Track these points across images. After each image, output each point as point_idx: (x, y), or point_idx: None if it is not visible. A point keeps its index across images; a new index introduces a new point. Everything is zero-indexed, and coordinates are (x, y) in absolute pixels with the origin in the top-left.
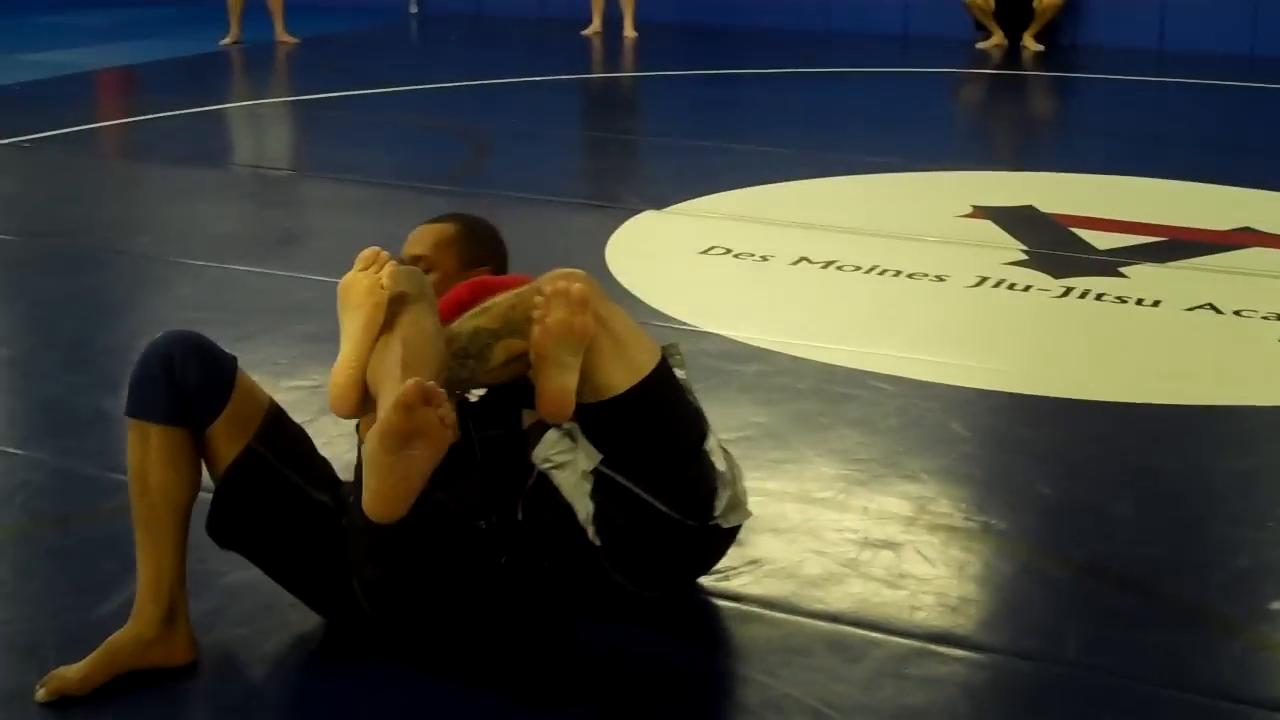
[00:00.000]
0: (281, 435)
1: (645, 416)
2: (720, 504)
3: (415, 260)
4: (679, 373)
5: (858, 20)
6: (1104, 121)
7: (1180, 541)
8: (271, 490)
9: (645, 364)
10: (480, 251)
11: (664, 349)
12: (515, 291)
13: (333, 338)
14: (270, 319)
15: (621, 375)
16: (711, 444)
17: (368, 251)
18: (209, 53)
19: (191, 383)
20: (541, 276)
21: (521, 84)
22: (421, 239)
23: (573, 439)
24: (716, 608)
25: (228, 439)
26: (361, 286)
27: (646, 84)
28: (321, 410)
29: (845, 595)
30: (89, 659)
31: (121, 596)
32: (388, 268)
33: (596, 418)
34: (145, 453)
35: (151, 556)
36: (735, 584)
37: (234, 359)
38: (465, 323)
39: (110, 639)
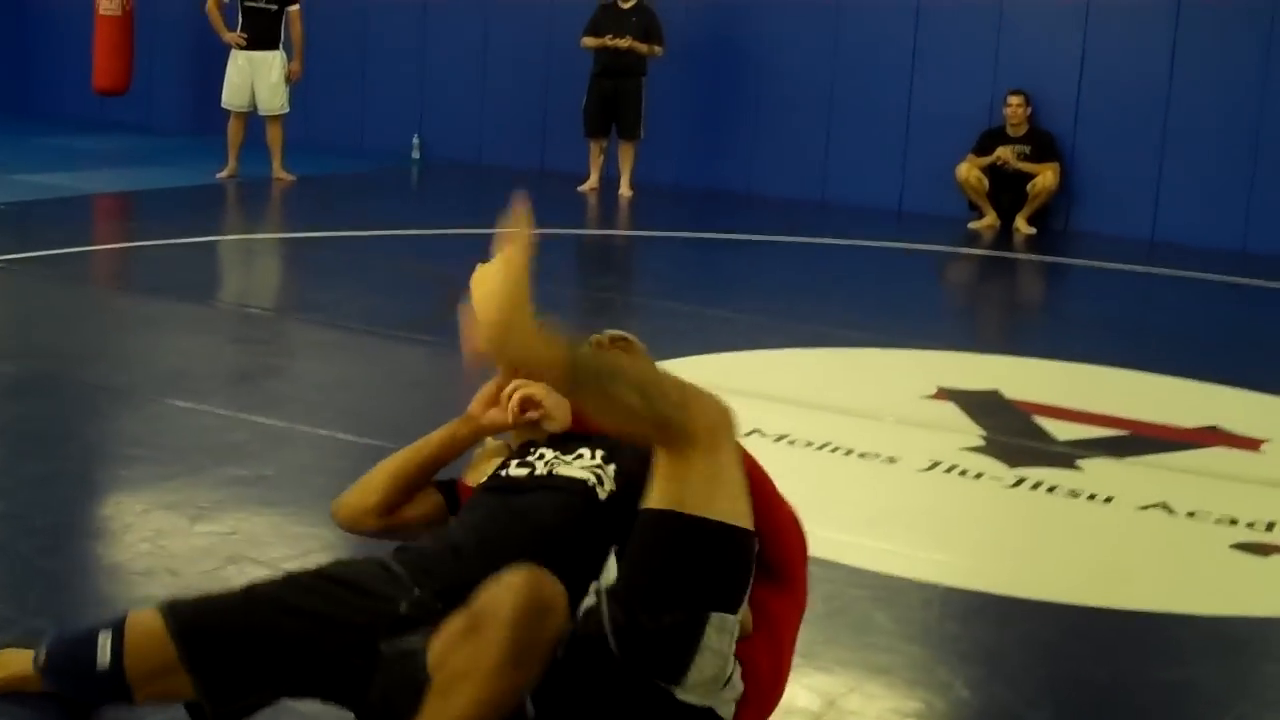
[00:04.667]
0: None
1: (680, 548)
2: (693, 670)
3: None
4: None
5: (854, 193)
6: (1086, 309)
7: None
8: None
9: (725, 514)
10: None
11: None
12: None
13: (257, 482)
14: (199, 458)
15: (688, 499)
16: (722, 622)
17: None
18: (204, 185)
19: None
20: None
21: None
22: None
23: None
24: None
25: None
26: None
27: (634, 243)
28: (229, 559)
29: None
30: None
31: None
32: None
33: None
34: None
35: None
36: None
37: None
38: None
39: None
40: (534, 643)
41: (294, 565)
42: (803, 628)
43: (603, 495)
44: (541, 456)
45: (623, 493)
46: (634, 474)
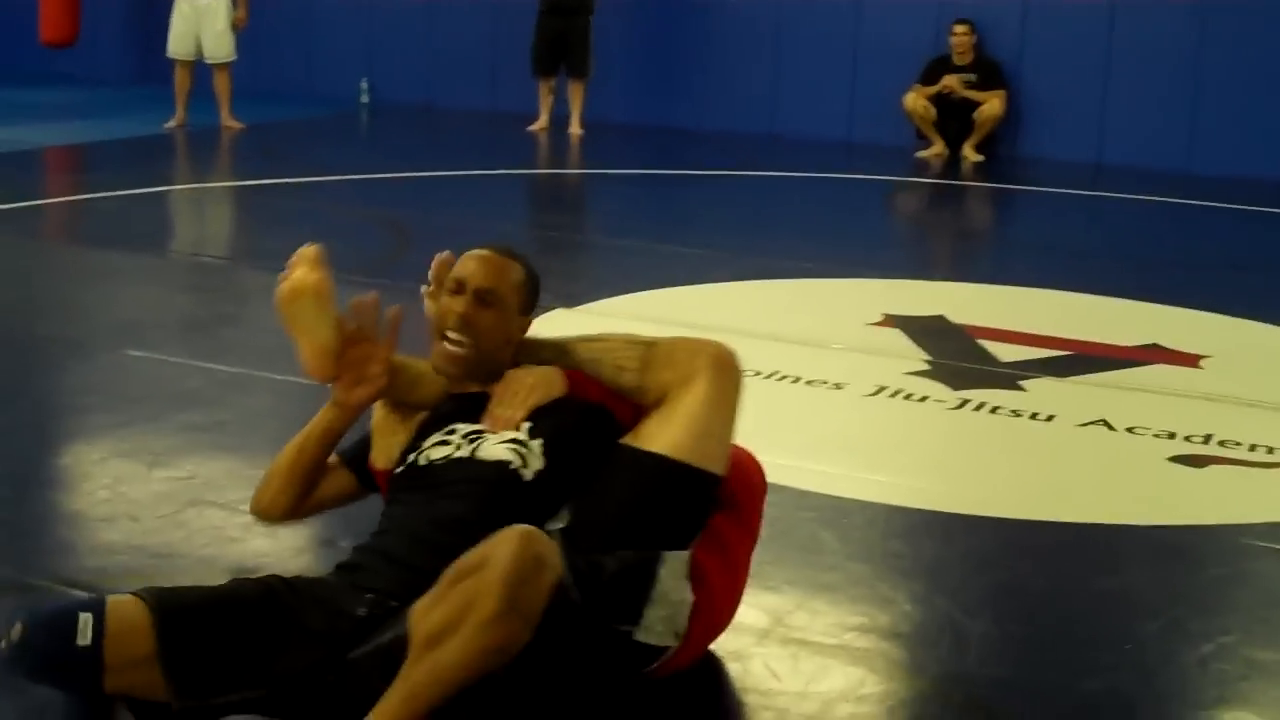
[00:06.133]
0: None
1: (650, 493)
2: (647, 616)
3: (485, 293)
4: None
5: (803, 125)
6: (1032, 234)
7: (1032, 662)
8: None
9: (692, 455)
10: (534, 300)
11: None
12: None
13: (213, 428)
14: (153, 406)
15: (663, 442)
16: (676, 564)
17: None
18: (153, 135)
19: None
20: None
21: (459, 177)
22: (492, 274)
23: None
24: None
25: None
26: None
27: (584, 182)
28: (189, 502)
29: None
30: None
31: None
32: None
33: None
34: None
35: None
36: None
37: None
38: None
39: None
40: (529, 595)
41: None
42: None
43: (528, 476)
44: (456, 432)
45: (551, 466)
46: (562, 438)
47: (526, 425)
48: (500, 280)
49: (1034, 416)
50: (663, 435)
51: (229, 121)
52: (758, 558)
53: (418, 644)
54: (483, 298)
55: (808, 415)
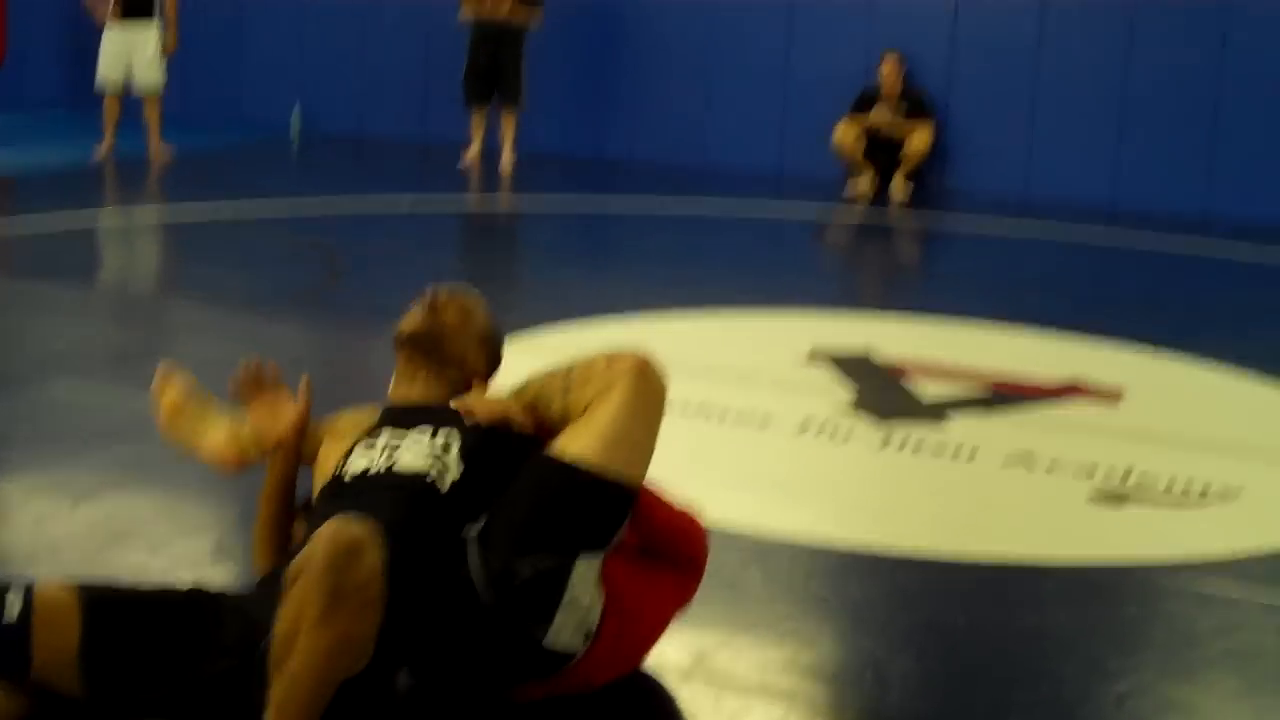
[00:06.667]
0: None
1: (561, 499)
2: (557, 622)
3: (455, 308)
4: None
5: (734, 157)
6: (958, 267)
7: (953, 700)
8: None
9: (601, 460)
10: (494, 365)
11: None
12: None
13: (139, 463)
14: (79, 441)
15: (574, 451)
16: (587, 569)
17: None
18: (81, 163)
19: None
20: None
21: (391, 206)
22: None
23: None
24: None
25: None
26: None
27: (514, 212)
28: (112, 538)
29: None
30: None
31: None
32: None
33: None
34: None
35: None
36: None
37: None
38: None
39: None
40: (348, 586)
41: (177, 544)
42: None
43: (444, 488)
44: (376, 445)
45: (468, 475)
46: (480, 449)
47: (443, 432)
48: (472, 319)
49: (956, 454)
50: (575, 444)
51: (158, 150)
52: None
53: (274, 662)
54: (454, 304)
55: (734, 452)
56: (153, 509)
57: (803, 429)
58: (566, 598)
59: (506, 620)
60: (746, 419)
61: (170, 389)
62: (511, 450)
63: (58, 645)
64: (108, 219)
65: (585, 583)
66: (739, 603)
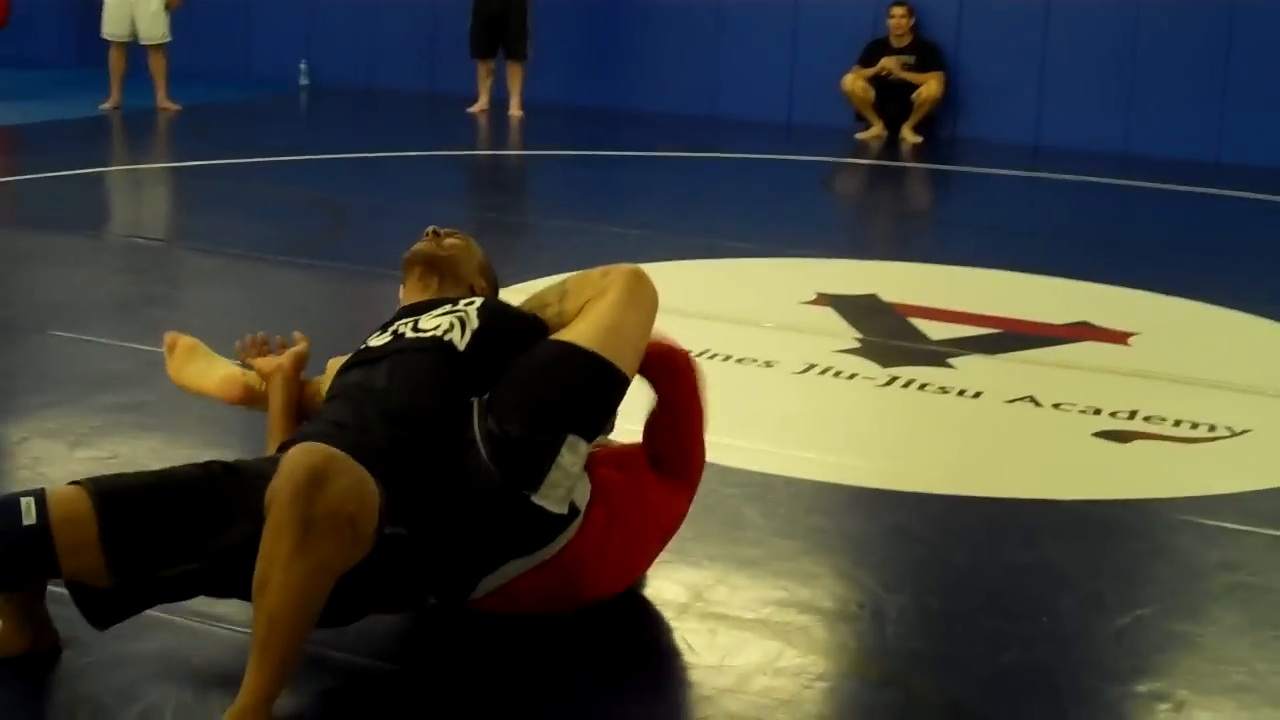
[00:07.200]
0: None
1: (556, 373)
2: (546, 482)
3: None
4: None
5: (742, 107)
6: (968, 214)
7: (950, 636)
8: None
9: (596, 343)
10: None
11: None
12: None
13: (137, 408)
14: (78, 387)
15: (573, 335)
16: (576, 445)
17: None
18: (88, 117)
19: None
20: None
21: (398, 159)
22: (470, 260)
23: None
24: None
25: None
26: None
27: (522, 163)
28: None
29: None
30: None
31: None
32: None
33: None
34: None
35: None
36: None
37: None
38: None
39: None
40: (317, 515)
41: None
42: None
43: (461, 346)
44: (392, 327)
45: (483, 333)
46: (493, 319)
47: (461, 305)
48: (472, 250)
49: (961, 393)
50: (574, 330)
51: (165, 103)
52: (680, 534)
53: (254, 595)
54: (455, 235)
55: (737, 393)
56: (150, 453)
57: (806, 369)
58: (555, 464)
59: (499, 474)
60: (750, 360)
61: (180, 342)
62: (519, 333)
63: (79, 538)
64: (113, 171)
65: (574, 458)
66: (737, 539)
